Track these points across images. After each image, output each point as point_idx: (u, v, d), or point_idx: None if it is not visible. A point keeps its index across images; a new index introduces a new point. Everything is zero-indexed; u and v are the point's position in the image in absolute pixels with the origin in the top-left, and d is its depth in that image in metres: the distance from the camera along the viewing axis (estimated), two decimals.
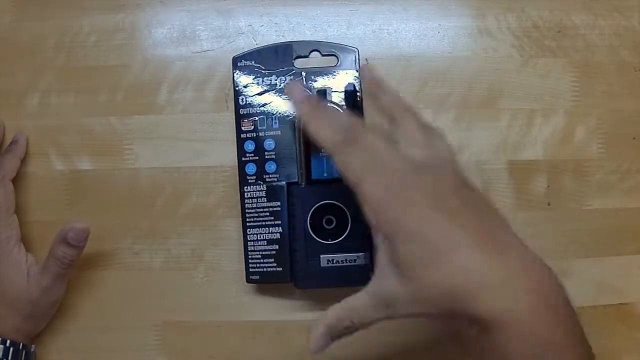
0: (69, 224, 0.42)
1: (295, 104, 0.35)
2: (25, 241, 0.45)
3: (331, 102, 0.44)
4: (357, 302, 0.32)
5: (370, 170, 0.31)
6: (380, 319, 0.32)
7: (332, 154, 0.32)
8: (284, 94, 0.40)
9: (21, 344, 0.42)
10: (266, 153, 0.44)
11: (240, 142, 0.45)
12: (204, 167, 0.47)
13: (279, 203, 0.44)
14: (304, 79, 0.45)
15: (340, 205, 0.42)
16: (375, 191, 0.31)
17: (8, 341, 0.41)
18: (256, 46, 0.47)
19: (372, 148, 0.32)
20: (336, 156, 0.32)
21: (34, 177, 0.47)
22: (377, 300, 0.31)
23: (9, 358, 0.41)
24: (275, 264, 0.44)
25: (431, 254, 0.29)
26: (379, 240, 0.32)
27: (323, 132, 0.33)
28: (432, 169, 0.32)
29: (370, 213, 0.31)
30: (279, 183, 0.44)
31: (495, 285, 0.28)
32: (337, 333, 0.33)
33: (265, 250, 0.44)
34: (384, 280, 0.31)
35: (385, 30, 0.48)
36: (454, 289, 0.28)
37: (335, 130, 0.33)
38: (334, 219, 0.42)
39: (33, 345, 0.44)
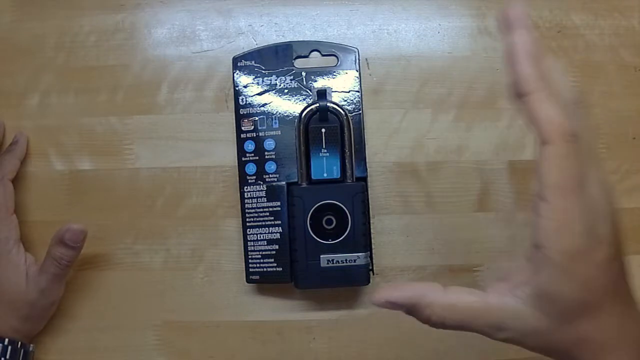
0: (65, 225, 0.42)
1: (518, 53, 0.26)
2: (25, 241, 0.45)
3: (331, 102, 0.44)
4: (460, 302, 0.28)
5: (580, 195, 0.26)
6: (469, 330, 0.28)
7: (554, 143, 0.25)
8: (502, 26, 0.27)
9: (19, 343, 0.42)
10: (266, 153, 0.44)
11: (240, 142, 0.45)
12: (204, 167, 0.47)
13: (279, 203, 0.44)
14: (304, 79, 0.45)
15: (340, 205, 0.42)
16: (571, 223, 0.26)
17: (6, 340, 0.41)
18: (256, 46, 0.47)
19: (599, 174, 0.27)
20: (555, 150, 0.25)
21: (34, 177, 0.47)
22: (495, 317, 0.28)
23: (7, 357, 0.41)
24: (275, 264, 0.44)
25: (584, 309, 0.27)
26: (539, 263, 0.27)
27: (550, 113, 0.26)
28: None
29: (551, 239, 0.26)
30: (279, 183, 0.44)
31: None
32: (403, 309, 0.29)
33: (265, 250, 0.44)
34: (520, 308, 0.27)
35: (385, 30, 0.48)
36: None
37: (564, 117, 0.25)
38: (334, 219, 0.42)
39: (32, 345, 0.44)
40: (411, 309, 0.29)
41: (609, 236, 0.27)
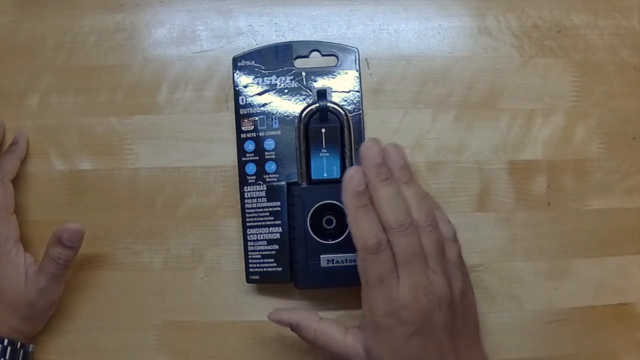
0: (62, 225, 0.42)
1: (347, 192, 0.36)
2: (25, 241, 0.45)
3: (331, 102, 0.44)
4: (328, 331, 0.39)
5: (380, 289, 0.36)
6: (330, 352, 0.39)
7: (359, 251, 0.36)
8: (361, 154, 0.37)
9: (19, 343, 0.42)
10: (266, 153, 0.44)
11: (240, 142, 0.45)
12: (204, 167, 0.47)
13: (279, 203, 0.44)
14: (304, 79, 0.45)
15: (340, 205, 0.42)
16: (376, 307, 0.36)
17: (6, 340, 0.41)
18: (256, 46, 0.47)
19: (393, 272, 0.36)
20: (361, 255, 0.36)
21: (34, 177, 0.47)
22: (346, 350, 0.39)
23: (7, 357, 0.41)
24: (275, 264, 0.44)
25: None
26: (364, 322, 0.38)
27: (360, 232, 0.36)
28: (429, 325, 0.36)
29: (364, 312, 0.37)
30: (279, 183, 0.44)
31: None
32: (289, 327, 0.40)
33: (265, 250, 0.44)
34: (360, 351, 0.38)
35: (385, 30, 0.48)
36: None
37: (371, 234, 0.36)
38: (334, 219, 0.43)
39: (31, 345, 0.44)
40: (295, 328, 0.40)
41: (411, 320, 0.36)
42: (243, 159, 0.45)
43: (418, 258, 0.36)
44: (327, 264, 0.42)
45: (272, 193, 0.44)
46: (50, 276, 0.42)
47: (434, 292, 0.36)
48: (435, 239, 0.37)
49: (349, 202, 0.36)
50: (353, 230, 0.36)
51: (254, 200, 0.44)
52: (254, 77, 0.45)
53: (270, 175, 0.44)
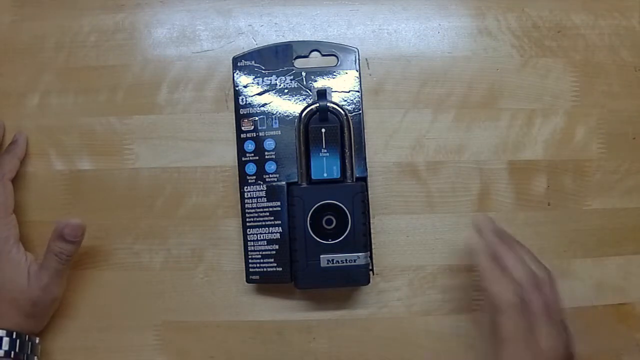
0: (64, 221, 0.42)
1: (483, 256, 0.41)
2: (25, 241, 0.45)
3: (331, 102, 0.44)
4: None
5: (524, 343, 0.37)
6: None
7: (500, 308, 0.38)
8: (474, 227, 0.42)
9: (27, 336, 0.42)
10: (266, 153, 0.44)
11: (240, 142, 0.45)
12: (204, 167, 0.47)
13: (279, 203, 0.44)
14: (304, 79, 0.45)
15: (340, 205, 0.42)
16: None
17: (14, 333, 0.42)
18: (256, 46, 0.47)
19: (533, 325, 0.38)
20: (503, 313, 0.38)
21: (34, 177, 0.47)
22: None
23: (17, 349, 0.41)
24: (275, 264, 0.44)
25: None
26: None
27: (500, 290, 0.39)
28: None
29: None
30: (279, 183, 0.44)
31: None
32: None
33: (265, 250, 0.44)
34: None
35: (385, 30, 0.48)
36: None
37: (512, 292, 0.38)
38: (334, 219, 0.42)
39: (37, 337, 0.44)
40: None
41: None
42: (243, 159, 0.45)
43: (549, 311, 0.39)
44: (327, 264, 0.42)
45: (272, 193, 0.44)
46: (54, 271, 0.42)
47: (568, 341, 0.39)
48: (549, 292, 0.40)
49: (486, 264, 0.40)
50: (493, 288, 0.39)
51: (254, 200, 0.44)
52: (254, 77, 0.45)
53: (270, 175, 0.44)
